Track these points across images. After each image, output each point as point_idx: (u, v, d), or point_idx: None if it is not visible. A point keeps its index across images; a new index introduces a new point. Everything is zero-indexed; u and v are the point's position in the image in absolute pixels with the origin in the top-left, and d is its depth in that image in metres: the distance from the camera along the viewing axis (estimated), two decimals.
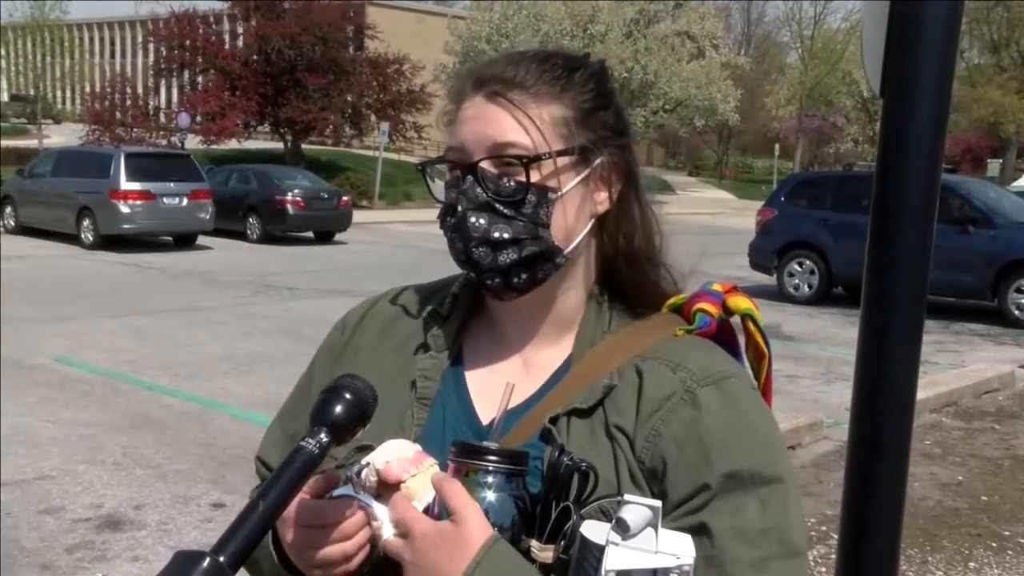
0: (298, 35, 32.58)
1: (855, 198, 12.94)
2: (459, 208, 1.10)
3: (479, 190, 1.09)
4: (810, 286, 13.72)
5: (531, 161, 1.08)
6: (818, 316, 12.56)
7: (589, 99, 1.13)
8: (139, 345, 9.28)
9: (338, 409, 0.96)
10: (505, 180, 1.09)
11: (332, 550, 0.99)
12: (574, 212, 1.12)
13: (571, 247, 1.12)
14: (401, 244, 20.09)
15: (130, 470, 5.70)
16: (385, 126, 31.08)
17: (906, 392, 1.47)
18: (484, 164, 1.09)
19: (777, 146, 48.55)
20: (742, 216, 30.09)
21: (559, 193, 1.10)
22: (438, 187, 1.19)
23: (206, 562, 0.82)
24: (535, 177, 1.09)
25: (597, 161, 1.13)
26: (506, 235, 1.09)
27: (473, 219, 1.09)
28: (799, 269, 13.85)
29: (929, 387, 7.92)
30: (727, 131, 58.87)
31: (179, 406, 7.17)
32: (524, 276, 1.11)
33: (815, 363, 9.58)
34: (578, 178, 1.12)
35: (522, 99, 1.10)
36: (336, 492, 1.00)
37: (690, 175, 62.41)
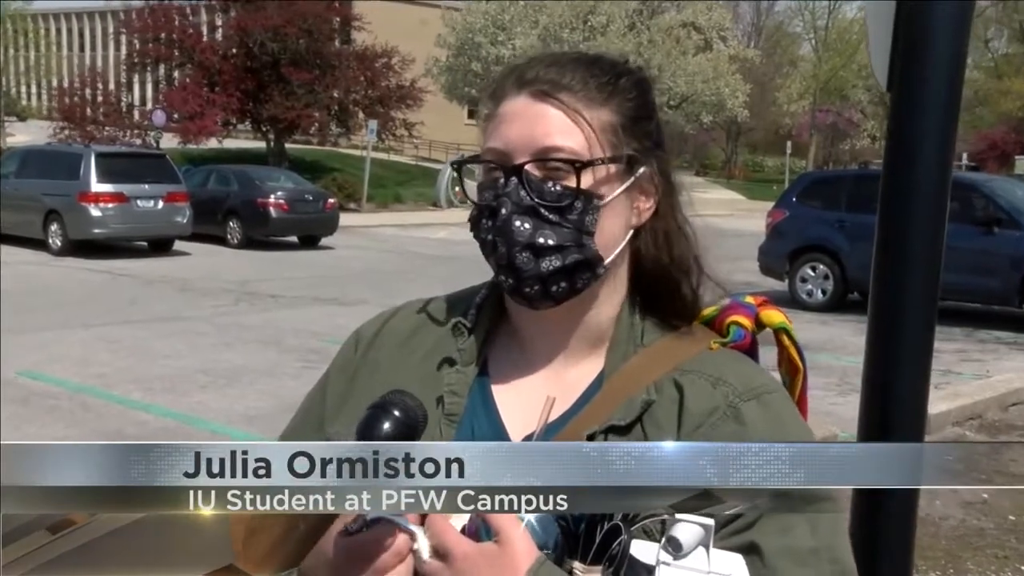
0: (281, 27, 32.60)
1: (872, 198, 12.73)
2: (503, 211, 1.11)
3: (524, 193, 1.11)
4: (824, 292, 13.73)
5: (583, 166, 1.11)
6: (832, 323, 12.56)
7: (634, 107, 1.17)
8: (111, 358, 9.27)
9: (386, 426, 0.98)
10: (551, 184, 1.11)
11: None
12: (616, 222, 1.15)
13: (611, 257, 1.16)
14: (391, 249, 20.10)
15: None
16: (373, 124, 31.09)
17: (917, 402, 1.49)
18: (529, 167, 1.11)
19: (789, 143, 48.60)
20: (751, 218, 30.00)
21: (604, 201, 1.13)
22: (469, 187, 1.21)
23: None
24: (584, 183, 1.11)
25: (641, 171, 1.16)
26: (551, 241, 1.11)
27: (518, 223, 1.11)
28: (812, 274, 13.85)
29: (951, 399, 7.93)
30: (736, 128, 58.88)
31: (154, 423, 7.16)
32: (563, 284, 1.13)
33: (828, 373, 9.58)
34: (622, 187, 1.15)
35: (572, 101, 1.13)
36: (371, 515, 1.00)
37: (697, 175, 62.19)
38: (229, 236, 20.38)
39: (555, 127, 1.11)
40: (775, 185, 45.38)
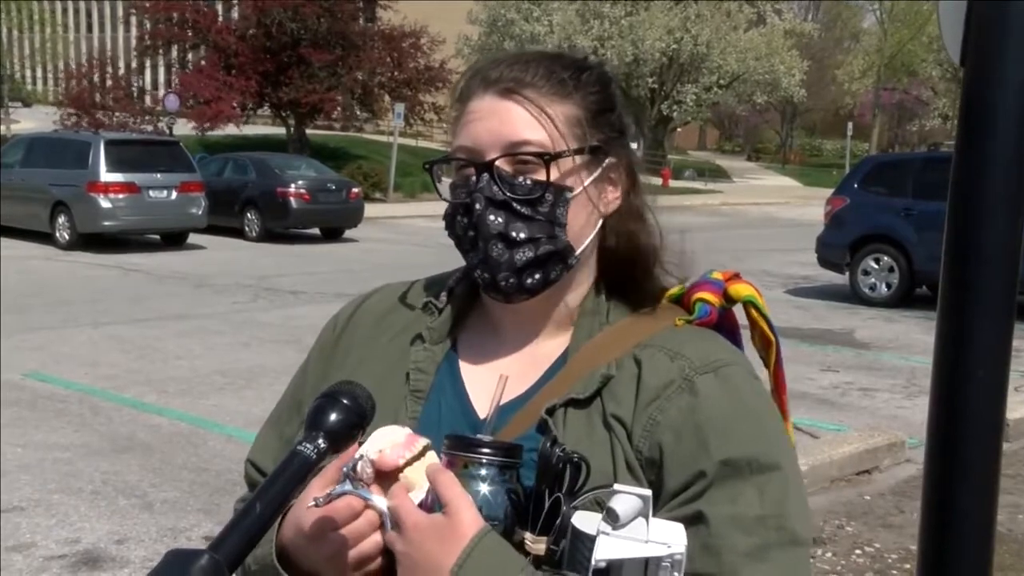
0: (301, 5, 32.74)
1: (943, 184, 12.58)
2: (476, 207, 1.23)
3: (496, 188, 1.23)
4: (888, 286, 13.62)
5: (552, 159, 1.22)
6: (898, 320, 12.45)
7: (597, 100, 1.29)
8: (122, 358, 9.37)
9: (333, 416, 1.07)
10: (521, 179, 1.23)
11: (365, 546, 1.13)
12: (586, 212, 1.27)
13: (582, 247, 1.27)
14: (419, 241, 20.14)
15: (111, 500, 5.76)
16: (400, 108, 31.16)
17: (993, 407, 1.45)
18: (500, 162, 1.23)
19: (850, 125, 48.24)
20: (809, 206, 29.84)
21: (574, 192, 1.25)
22: (444, 186, 1.32)
23: (204, 559, 0.90)
24: (553, 175, 1.23)
25: (607, 161, 1.28)
26: (523, 234, 1.23)
27: (491, 217, 1.23)
28: (876, 266, 13.74)
29: None
30: (791, 109, 58.52)
31: (167, 426, 7.23)
32: (537, 276, 1.25)
33: (895, 374, 9.50)
34: (591, 178, 1.27)
35: (536, 97, 1.24)
36: (336, 489, 1.11)
37: (749, 159, 62.09)
38: (247, 228, 20.52)
39: (522, 122, 1.23)
40: (835, 170, 45.08)
